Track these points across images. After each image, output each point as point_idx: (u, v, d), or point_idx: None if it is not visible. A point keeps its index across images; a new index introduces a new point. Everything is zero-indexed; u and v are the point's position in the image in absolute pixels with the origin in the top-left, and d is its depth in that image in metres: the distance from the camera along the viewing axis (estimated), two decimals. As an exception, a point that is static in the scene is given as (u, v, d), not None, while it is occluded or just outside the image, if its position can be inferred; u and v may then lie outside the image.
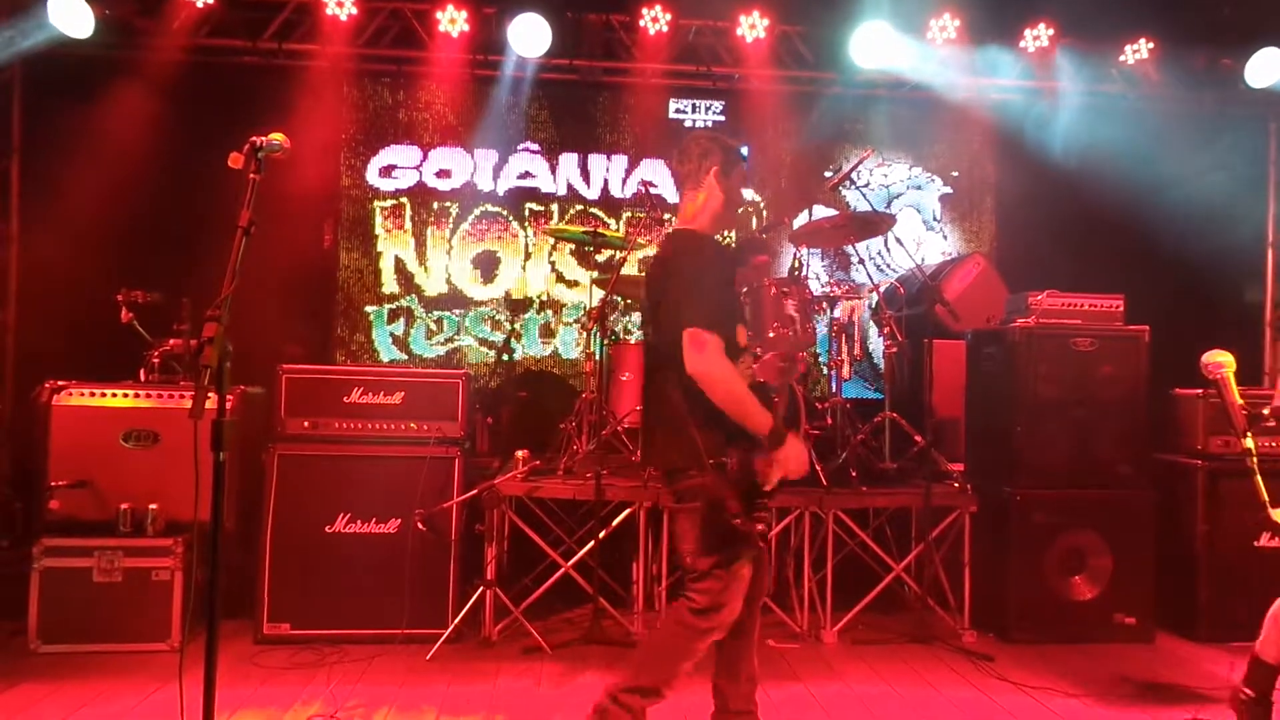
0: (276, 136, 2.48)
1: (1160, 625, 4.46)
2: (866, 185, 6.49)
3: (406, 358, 6.16)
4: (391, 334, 6.19)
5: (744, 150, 2.90)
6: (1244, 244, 6.45)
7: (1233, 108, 6.30)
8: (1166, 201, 5.83)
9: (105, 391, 4.14)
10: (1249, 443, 2.97)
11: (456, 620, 4.09)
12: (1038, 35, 6.00)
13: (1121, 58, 6.15)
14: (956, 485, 4.49)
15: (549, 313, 6.34)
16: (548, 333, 6.33)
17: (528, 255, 6.36)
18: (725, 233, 2.89)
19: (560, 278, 6.38)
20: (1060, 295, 4.64)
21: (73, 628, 3.94)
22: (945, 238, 6.65)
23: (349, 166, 6.21)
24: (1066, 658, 4.13)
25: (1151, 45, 6.06)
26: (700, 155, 2.81)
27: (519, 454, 4.35)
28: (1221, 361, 3.03)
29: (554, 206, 6.38)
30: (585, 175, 6.40)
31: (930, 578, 4.46)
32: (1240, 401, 2.98)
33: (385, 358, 6.14)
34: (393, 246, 6.25)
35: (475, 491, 4.18)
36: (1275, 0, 5.88)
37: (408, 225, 6.27)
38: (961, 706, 3.58)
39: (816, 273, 6.19)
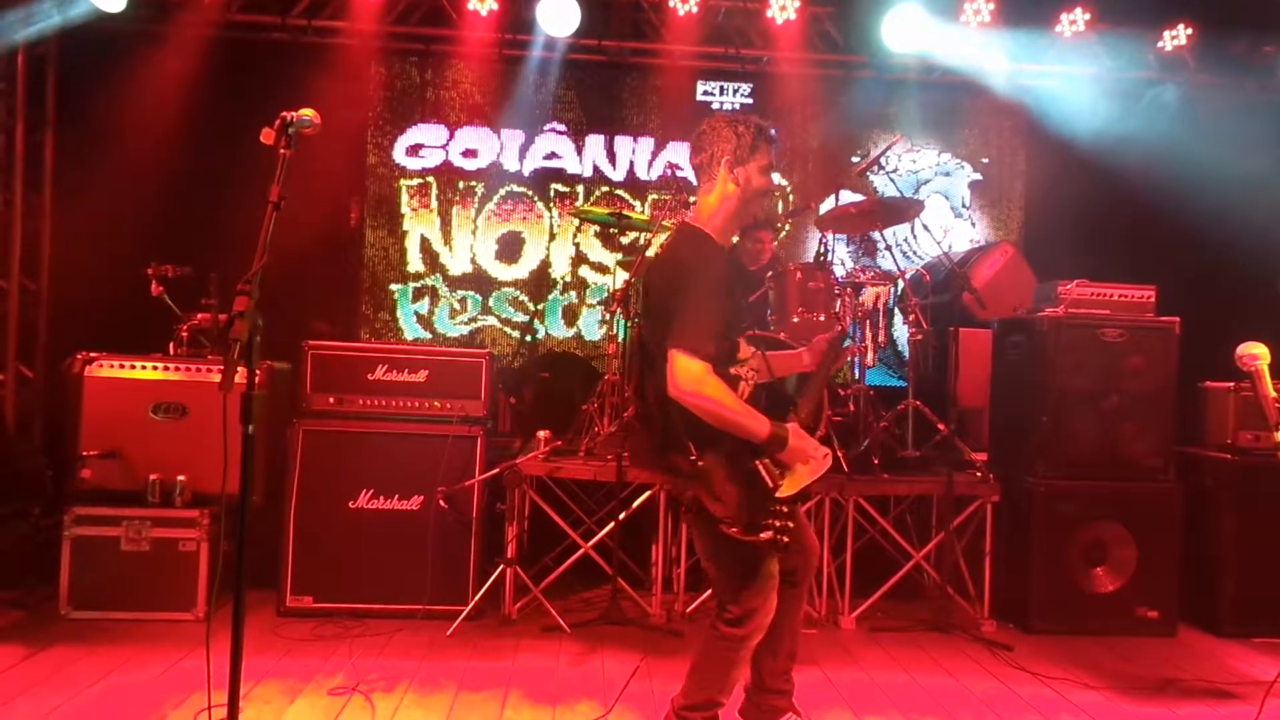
0: (307, 112, 2.48)
1: (1183, 619, 4.42)
2: (895, 171, 6.43)
3: (431, 336, 6.20)
4: (416, 313, 6.23)
5: (766, 131, 2.65)
6: (1280, 235, 6.33)
7: (1272, 95, 6.16)
8: (1202, 190, 5.71)
9: (135, 364, 4.19)
10: (1281, 437, 2.93)
11: (477, 598, 4.13)
12: (1074, 20, 5.88)
13: (1159, 43, 6.04)
14: (979, 474, 4.46)
15: (573, 294, 6.34)
16: (571, 314, 6.33)
17: (552, 236, 6.36)
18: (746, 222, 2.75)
19: (584, 259, 6.37)
20: (1090, 285, 4.58)
21: (101, 595, 4.02)
22: (973, 225, 6.57)
23: (376, 145, 6.22)
24: (1087, 650, 4.11)
25: (1190, 31, 5.94)
26: (710, 144, 2.61)
27: (541, 434, 4.37)
28: (1257, 353, 2.98)
29: (579, 188, 6.36)
30: (611, 157, 6.38)
31: (950, 566, 4.44)
32: (1274, 395, 2.94)
33: (409, 336, 6.18)
34: (418, 225, 6.27)
35: (497, 470, 4.21)
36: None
37: (433, 204, 6.28)
38: (980, 695, 3.57)
39: (842, 259, 6.17)
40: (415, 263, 6.25)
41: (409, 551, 4.16)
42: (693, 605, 4.34)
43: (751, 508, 2.45)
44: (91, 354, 4.18)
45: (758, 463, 2.47)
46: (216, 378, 3.86)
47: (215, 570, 4.05)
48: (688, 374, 2.37)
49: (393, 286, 6.22)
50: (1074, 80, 6.20)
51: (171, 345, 4.39)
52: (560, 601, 4.29)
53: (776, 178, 6.40)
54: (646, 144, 6.39)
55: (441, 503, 4.16)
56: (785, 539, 2.45)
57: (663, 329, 2.45)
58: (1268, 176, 6.06)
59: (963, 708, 3.45)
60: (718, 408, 2.39)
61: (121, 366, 4.18)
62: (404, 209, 6.25)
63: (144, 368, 4.19)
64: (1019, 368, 4.64)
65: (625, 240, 5.41)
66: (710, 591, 4.34)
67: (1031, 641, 4.19)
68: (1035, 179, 6.57)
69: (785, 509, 2.48)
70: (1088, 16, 5.87)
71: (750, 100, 6.37)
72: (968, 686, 3.66)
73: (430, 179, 6.27)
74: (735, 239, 2.86)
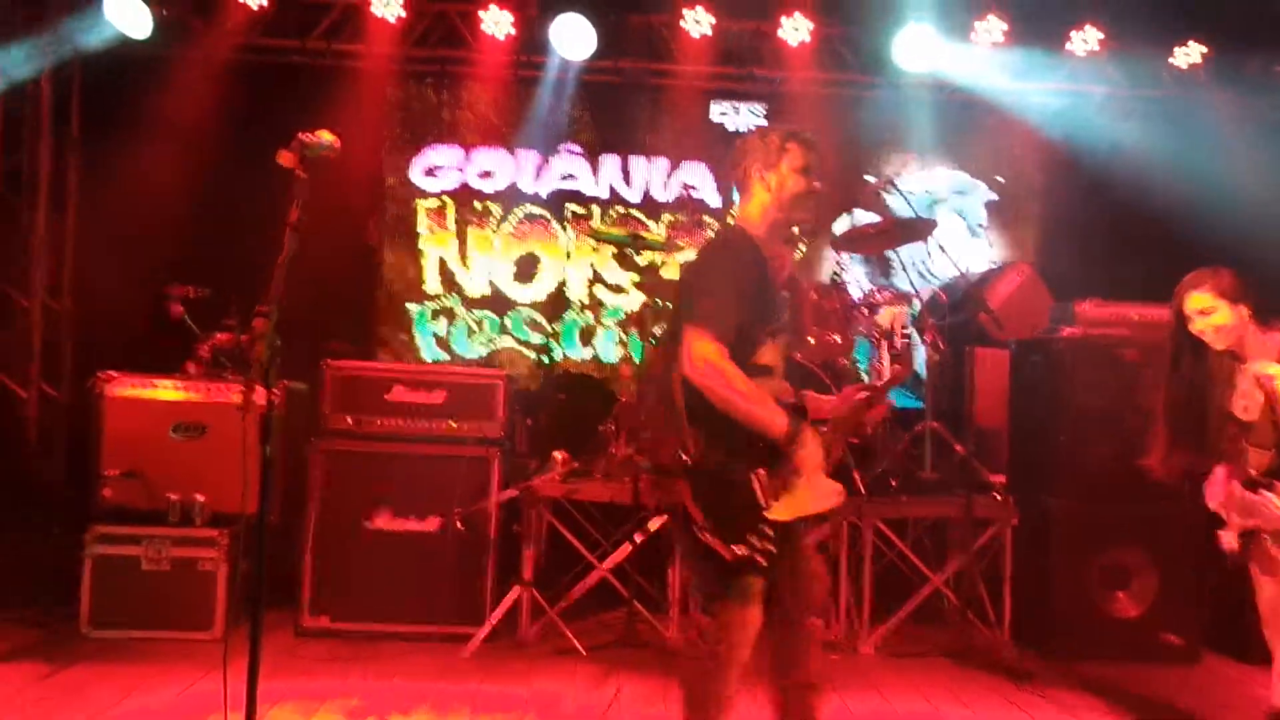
0: (325, 135, 2.50)
1: (1208, 645, 4.36)
2: (909, 190, 6.42)
3: (448, 357, 6.21)
4: (433, 333, 6.25)
5: (797, 133, 2.65)
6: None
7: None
8: (1217, 208, 5.68)
9: (156, 383, 4.23)
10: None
11: (493, 619, 4.12)
12: (1086, 39, 5.88)
13: (1172, 61, 6.03)
14: (998, 496, 4.44)
15: (589, 315, 6.35)
16: (588, 335, 6.34)
17: (569, 257, 6.38)
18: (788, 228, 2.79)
19: (601, 280, 6.38)
20: (1107, 304, 4.57)
21: (121, 614, 4.04)
22: (990, 244, 6.56)
23: (393, 166, 6.27)
24: (1109, 676, 4.05)
25: (1205, 50, 5.93)
26: (742, 156, 2.64)
27: (557, 455, 4.37)
28: (1272, 374, 2.95)
29: (595, 208, 6.38)
30: (627, 177, 6.41)
31: (969, 590, 4.40)
32: None
33: (427, 357, 6.19)
34: (435, 246, 6.30)
35: (513, 492, 4.21)
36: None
37: (450, 225, 6.32)
38: (1000, 722, 3.53)
39: (858, 279, 6.17)
40: (433, 283, 6.28)
41: (426, 572, 4.17)
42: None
43: (733, 517, 2.38)
44: (112, 374, 4.23)
45: (753, 475, 2.38)
46: (236, 398, 3.88)
47: (234, 590, 4.07)
48: (701, 353, 2.32)
49: (410, 307, 6.25)
50: (1088, 98, 6.20)
51: (191, 365, 4.42)
52: (576, 624, 4.27)
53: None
54: (662, 164, 6.41)
55: (458, 524, 4.17)
56: (762, 561, 2.38)
57: (684, 311, 2.45)
58: (1281, 194, 6.03)
59: (983, 734, 3.42)
60: (729, 391, 2.32)
61: (142, 386, 4.22)
62: (421, 230, 6.29)
63: (164, 387, 4.23)
64: (1037, 388, 4.61)
65: (641, 261, 5.43)
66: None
67: (1052, 667, 4.13)
68: (1052, 198, 6.54)
69: (772, 531, 2.39)
70: (1100, 35, 5.86)
71: (764, 120, 6.38)
72: (987, 715, 3.62)
73: (447, 200, 6.31)
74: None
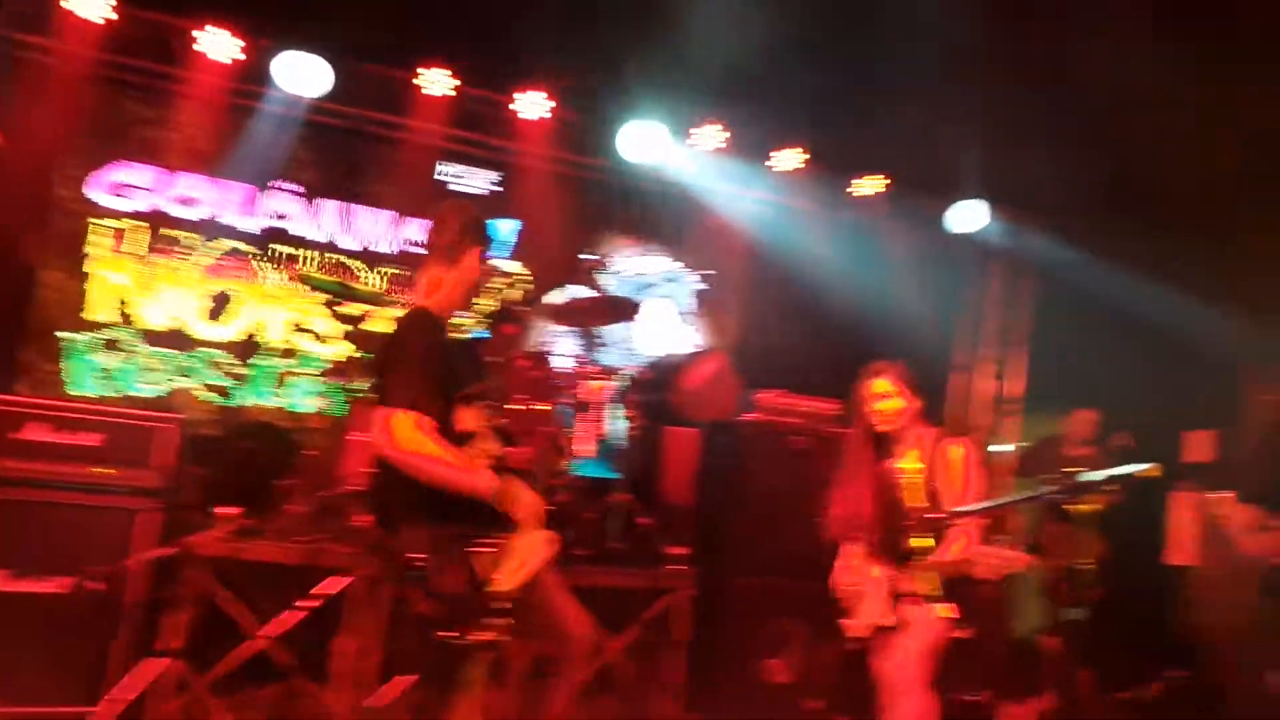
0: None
1: (844, 711, 4.77)
2: (623, 272, 6.76)
3: (115, 395, 5.51)
4: (97, 367, 5.52)
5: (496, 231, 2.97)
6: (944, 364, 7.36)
7: (944, 248, 7.22)
8: (886, 320, 6.50)
9: None
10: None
11: (125, 695, 3.61)
12: (788, 158, 6.64)
13: (855, 190, 6.92)
14: (679, 568, 4.65)
15: (285, 362, 5.94)
16: (280, 383, 5.92)
17: (270, 299, 5.96)
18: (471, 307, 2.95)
19: (303, 327, 6.02)
20: (786, 396, 5.02)
21: None
22: (693, 331, 7.02)
23: (69, 178, 5.55)
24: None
25: (886, 183, 6.87)
26: (462, 229, 2.75)
27: (227, 510, 4.00)
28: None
29: (310, 253, 6.06)
30: (347, 225, 6.18)
31: (646, 658, 4.53)
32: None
33: (89, 393, 5.45)
34: (111, 271, 5.62)
35: (170, 550, 3.78)
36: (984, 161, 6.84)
37: (134, 250, 5.68)
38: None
39: (565, 351, 6.33)
40: (102, 311, 5.57)
41: (52, 643, 3.60)
42: (382, 701, 4.08)
43: (465, 603, 2.40)
44: None
45: (469, 555, 2.42)
46: None
47: None
48: (403, 429, 2.38)
49: (69, 334, 5.48)
50: (788, 210, 6.92)
51: None
52: (231, 699, 3.87)
53: (513, 266, 6.49)
54: (385, 216, 6.25)
55: (97, 585, 3.66)
56: (504, 637, 2.41)
57: (379, 395, 2.53)
58: (944, 307, 7.05)
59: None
60: (431, 463, 2.38)
61: None
62: (95, 251, 5.58)
63: None
64: (720, 467, 4.95)
65: (351, 311, 5.22)
66: (401, 685, 4.12)
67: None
68: (752, 294, 7.16)
69: (508, 605, 2.43)
70: (806, 157, 6.64)
71: (494, 188, 6.48)
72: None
73: (134, 222, 5.68)
74: (479, 331, 3.09)
